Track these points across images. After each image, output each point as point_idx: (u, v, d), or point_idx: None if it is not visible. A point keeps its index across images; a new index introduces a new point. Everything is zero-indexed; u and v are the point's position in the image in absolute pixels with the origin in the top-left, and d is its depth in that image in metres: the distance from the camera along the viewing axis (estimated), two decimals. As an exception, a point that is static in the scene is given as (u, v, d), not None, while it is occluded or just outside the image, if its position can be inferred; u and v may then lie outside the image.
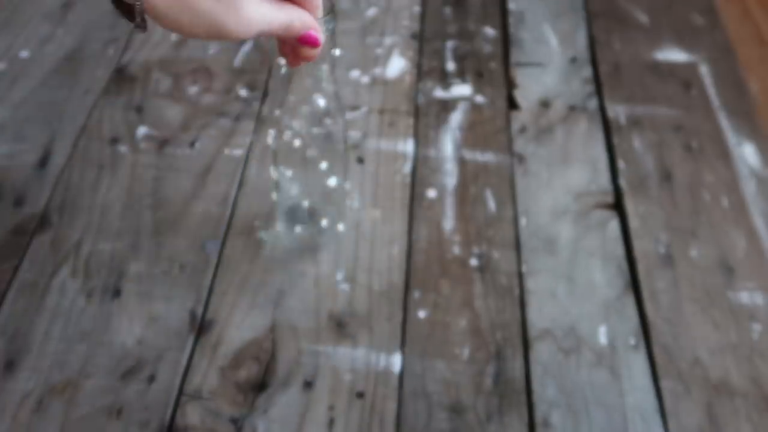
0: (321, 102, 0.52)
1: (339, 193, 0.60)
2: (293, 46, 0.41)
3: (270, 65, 0.77)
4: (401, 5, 0.85)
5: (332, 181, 0.57)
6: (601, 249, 0.62)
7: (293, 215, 0.60)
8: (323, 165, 0.56)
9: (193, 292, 0.58)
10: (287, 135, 0.54)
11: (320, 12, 0.43)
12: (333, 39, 0.49)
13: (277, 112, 0.53)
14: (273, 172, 0.57)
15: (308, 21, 0.40)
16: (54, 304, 0.57)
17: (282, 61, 0.49)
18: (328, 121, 0.54)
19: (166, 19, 0.35)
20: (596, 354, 0.55)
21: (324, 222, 0.60)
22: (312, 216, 0.60)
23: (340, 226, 0.62)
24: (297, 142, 0.54)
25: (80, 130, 0.70)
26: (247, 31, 0.36)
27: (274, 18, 0.38)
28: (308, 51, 0.41)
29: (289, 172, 0.56)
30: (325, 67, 0.50)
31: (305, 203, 0.59)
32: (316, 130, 0.54)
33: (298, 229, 0.61)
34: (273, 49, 0.50)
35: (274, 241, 0.60)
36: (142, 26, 0.36)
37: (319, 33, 0.40)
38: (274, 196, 0.60)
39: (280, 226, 0.61)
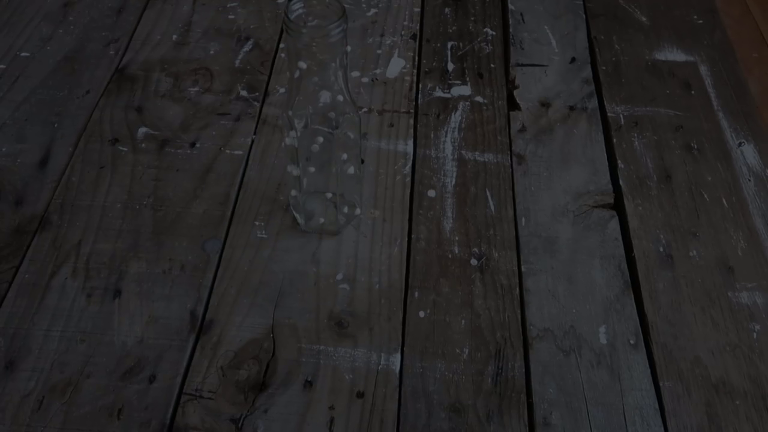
0: (333, 101, 0.53)
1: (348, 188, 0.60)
2: None
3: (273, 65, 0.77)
4: (401, 5, 0.85)
5: (351, 172, 0.58)
6: (601, 249, 0.62)
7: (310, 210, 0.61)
8: (341, 160, 0.57)
9: (193, 292, 0.58)
10: (302, 134, 0.54)
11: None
12: (344, 41, 0.49)
13: (290, 113, 0.53)
14: (294, 170, 0.57)
15: None
16: (54, 304, 0.57)
17: (302, 64, 0.50)
18: (340, 119, 0.54)
19: None
20: (596, 354, 0.55)
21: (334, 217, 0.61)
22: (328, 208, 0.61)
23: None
24: (313, 141, 0.55)
25: (80, 130, 0.70)
26: None
27: None
28: None
29: (311, 169, 0.57)
30: (335, 67, 0.50)
31: (324, 198, 0.60)
32: (329, 129, 0.54)
33: (316, 221, 0.61)
34: (291, 51, 0.50)
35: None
36: None
37: None
38: (293, 192, 0.60)
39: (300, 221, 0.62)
